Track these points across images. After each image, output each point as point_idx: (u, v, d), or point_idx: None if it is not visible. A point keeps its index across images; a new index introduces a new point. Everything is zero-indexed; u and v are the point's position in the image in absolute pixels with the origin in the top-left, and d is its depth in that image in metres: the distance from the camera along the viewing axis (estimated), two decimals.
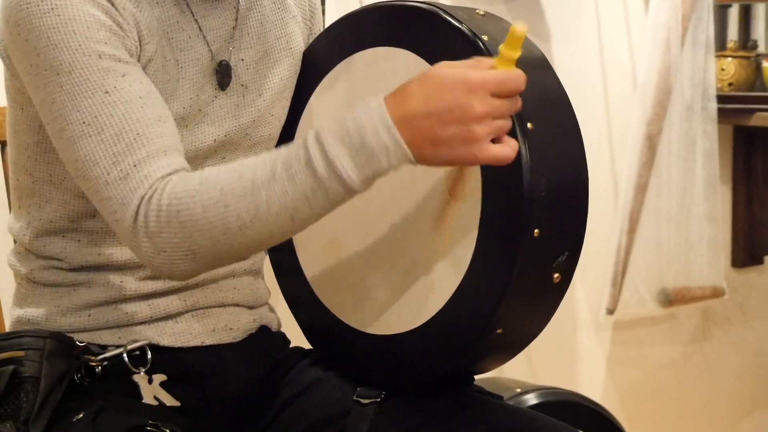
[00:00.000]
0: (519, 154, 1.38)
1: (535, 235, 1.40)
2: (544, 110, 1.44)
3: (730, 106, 3.19)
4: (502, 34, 1.47)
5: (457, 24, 1.47)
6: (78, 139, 1.41)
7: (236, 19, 1.60)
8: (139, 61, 1.48)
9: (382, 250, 1.57)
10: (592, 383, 3.25)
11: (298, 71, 1.68)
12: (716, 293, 3.24)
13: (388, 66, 1.55)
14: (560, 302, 1.50)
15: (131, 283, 1.56)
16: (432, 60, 1.47)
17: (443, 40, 1.49)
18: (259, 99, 1.62)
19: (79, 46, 1.41)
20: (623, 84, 3.19)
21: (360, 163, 1.33)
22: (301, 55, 1.68)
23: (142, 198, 1.39)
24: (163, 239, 1.38)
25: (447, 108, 1.31)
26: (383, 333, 1.56)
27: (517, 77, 1.33)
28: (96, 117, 1.41)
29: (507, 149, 1.33)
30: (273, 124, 1.65)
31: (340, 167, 1.33)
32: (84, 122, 1.41)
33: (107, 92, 1.41)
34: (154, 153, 1.41)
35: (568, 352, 3.19)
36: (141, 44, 1.48)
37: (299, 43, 1.68)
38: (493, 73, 1.33)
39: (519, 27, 1.32)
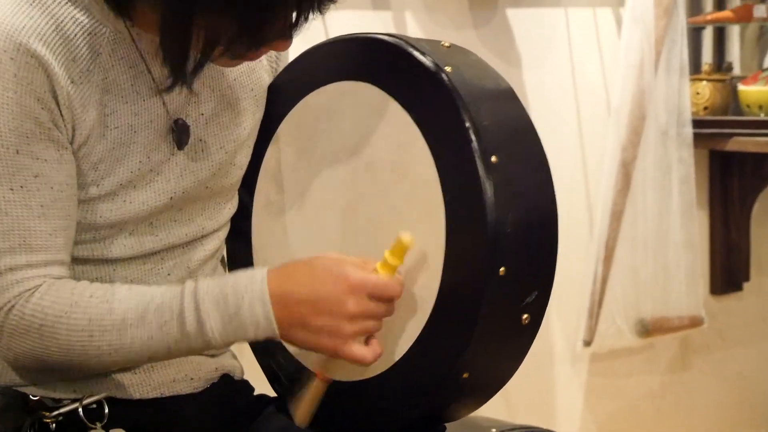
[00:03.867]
0: (482, 188, 1.35)
1: (501, 273, 1.36)
2: (510, 143, 1.41)
3: (706, 131, 3.16)
4: (467, 65, 1.48)
5: (420, 56, 1.44)
6: None
7: None
8: (72, 143, 1.43)
9: None
10: (570, 416, 3.21)
11: (263, 116, 1.64)
12: (695, 323, 3.22)
13: (351, 101, 1.52)
14: (531, 344, 1.46)
15: None
16: (395, 95, 1.46)
17: (406, 73, 1.46)
18: (221, 152, 1.56)
19: (0, 136, 1.38)
20: (596, 110, 3.16)
21: (229, 330, 1.40)
22: (266, 99, 1.64)
23: (7, 302, 1.40)
24: (17, 343, 1.41)
25: (323, 299, 1.39)
26: (347, 379, 1.51)
27: (396, 285, 1.40)
28: None
29: (368, 352, 1.40)
30: (235, 174, 1.60)
31: (209, 330, 1.40)
32: None
33: (12, 189, 1.40)
34: (33, 264, 1.41)
35: (544, 385, 3.15)
36: (75, 128, 1.43)
37: (264, 88, 1.63)
38: (375, 277, 1.40)
39: (405, 238, 1.38)
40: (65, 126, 1.42)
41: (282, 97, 1.62)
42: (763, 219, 3.46)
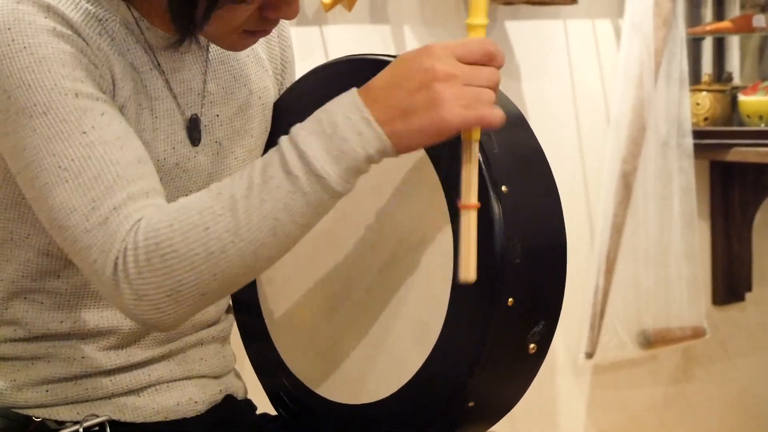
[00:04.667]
0: (492, 218, 1.33)
1: (509, 304, 1.35)
2: (520, 172, 1.39)
3: (706, 142, 3.15)
4: None
5: None
6: (53, 186, 1.33)
7: (205, 72, 1.53)
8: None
9: (350, 316, 1.52)
10: (572, 428, 3.21)
11: (269, 128, 1.62)
12: (697, 334, 3.21)
13: None
14: (537, 372, 1.45)
15: (93, 357, 1.50)
16: None
17: None
18: (231, 157, 1.55)
19: (55, 85, 1.34)
20: (596, 121, 3.15)
21: (333, 152, 1.27)
22: (272, 111, 1.63)
23: (122, 242, 1.31)
24: (144, 281, 1.30)
25: (410, 75, 1.28)
26: (351, 402, 1.51)
27: (482, 43, 1.29)
28: (73, 160, 1.33)
29: (485, 112, 1.27)
30: None
31: (313, 160, 1.27)
32: (60, 166, 1.33)
33: (85, 132, 1.33)
34: (134, 195, 1.33)
35: (547, 397, 3.14)
36: (114, 87, 1.41)
37: (271, 98, 1.63)
38: (458, 40, 1.29)
39: None
40: (108, 81, 1.40)
41: (287, 117, 1.61)
42: (765, 229, 3.45)
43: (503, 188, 1.35)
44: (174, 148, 1.48)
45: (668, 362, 3.37)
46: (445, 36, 2.83)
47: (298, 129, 1.29)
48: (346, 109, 1.28)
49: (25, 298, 1.50)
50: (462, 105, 1.26)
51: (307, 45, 2.54)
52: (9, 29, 1.34)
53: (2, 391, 1.50)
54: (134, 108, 1.43)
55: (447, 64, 1.27)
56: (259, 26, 1.43)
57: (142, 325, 1.38)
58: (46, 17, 1.35)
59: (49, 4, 1.36)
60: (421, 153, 1.41)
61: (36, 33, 1.34)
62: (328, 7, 2.43)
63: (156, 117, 1.46)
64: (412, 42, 2.76)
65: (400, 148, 1.29)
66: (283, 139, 1.30)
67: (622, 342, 3.12)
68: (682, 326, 3.19)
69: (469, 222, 1.28)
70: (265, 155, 1.31)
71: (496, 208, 1.34)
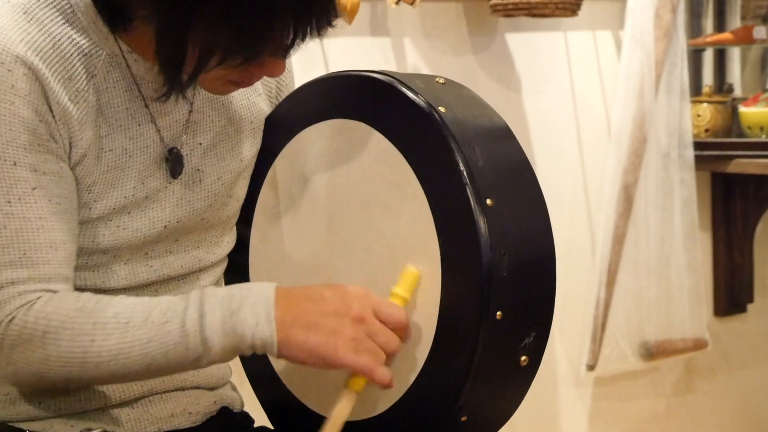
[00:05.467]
0: (477, 232, 1.33)
1: (498, 317, 1.34)
2: (505, 184, 1.38)
3: (707, 153, 3.15)
4: (462, 102, 1.45)
5: (412, 96, 1.42)
6: None
7: (192, 103, 1.53)
8: (70, 159, 1.42)
9: None
10: None
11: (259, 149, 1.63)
12: (699, 345, 3.20)
13: (345, 139, 1.50)
14: (530, 384, 1.44)
15: None
16: (388, 134, 1.44)
17: (399, 112, 1.44)
18: (217, 182, 1.55)
19: None
20: (597, 133, 3.15)
21: (227, 328, 1.36)
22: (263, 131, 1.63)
23: (8, 314, 1.37)
24: (18, 355, 1.38)
25: (330, 301, 1.37)
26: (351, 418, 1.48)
27: (400, 311, 1.38)
28: None
29: (375, 366, 1.37)
30: (232, 205, 1.59)
31: (208, 326, 1.36)
32: None
33: (9, 202, 1.37)
34: (35, 277, 1.39)
35: (549, 409, 3.14)
36: (71, 144, 1.42)
37: (263, 120, 1.62)
38: (381, 298, 1.39)
39: (412, 269, 1.38)
40: (62, 141, 1.41)
41: (278, 131, 1.61)
42: (766, 240, 3.45)
43: (488, 201, 1.35)
44: (143, 183, 1.48)
45: (670, 374, 3.37)
46: (445, 48, 2.83)
47: (211, 291, 1.38)
48: (258, 297, 1.37)
49: None
50: (355, 349, 1.36)
51: (308, 58, 2.54)
52: None
53: None
54: (94, 153, 1.44)
55: (363, 310, 1.37)
56: (244, 79, 1.44)
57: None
58: (9, 70, 1.36)
59: (17, 54, 1.37)
60: (407, 167, 1.42)
61: None
62: None
63: (130, 155, 1.46)
64: (412, 54, 2.76)
65: (282, 352, 1.37)
66: (195, 293, 1.38)
67: (623, 354, 3.12)
68: (683, 338, 3.19)
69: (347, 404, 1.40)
70: (170, 299, 1.39)
71: (482, 221, 1.34)
